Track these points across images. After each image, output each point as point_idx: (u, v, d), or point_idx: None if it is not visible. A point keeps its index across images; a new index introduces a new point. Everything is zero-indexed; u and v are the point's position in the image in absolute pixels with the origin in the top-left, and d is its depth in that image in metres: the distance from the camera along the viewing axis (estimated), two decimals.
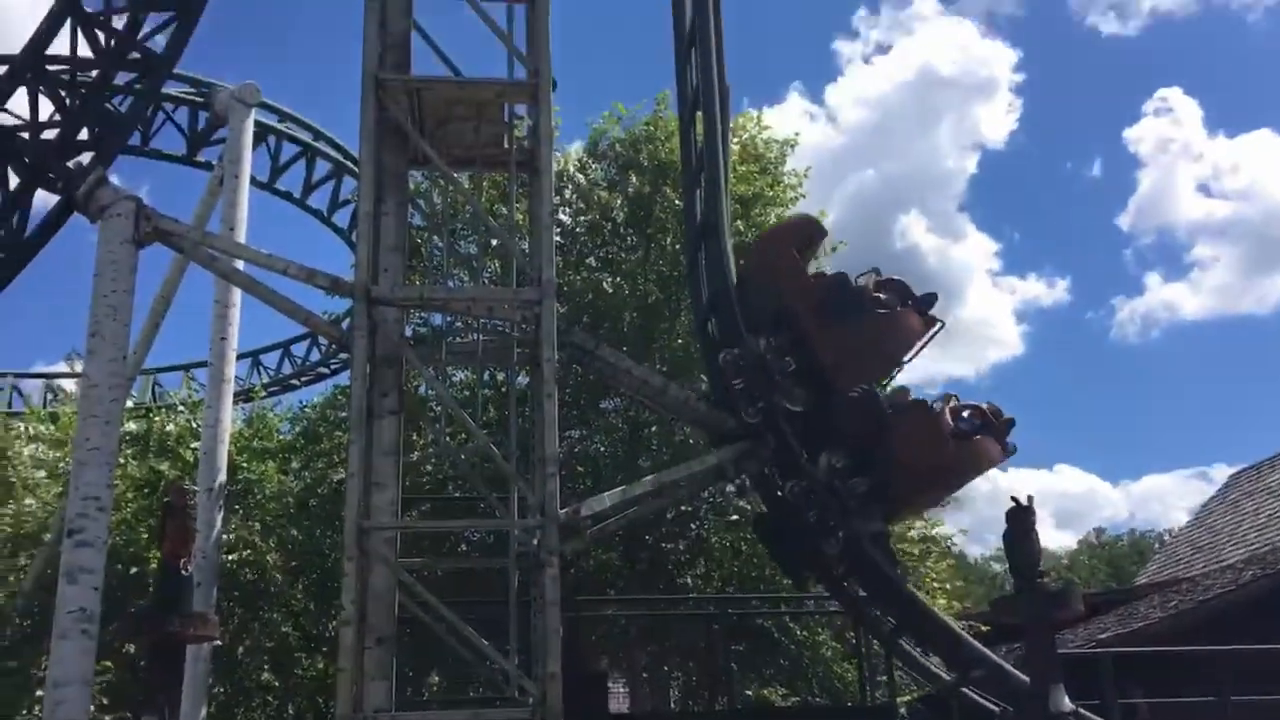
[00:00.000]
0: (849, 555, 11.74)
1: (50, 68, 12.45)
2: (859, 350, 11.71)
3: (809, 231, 12.74)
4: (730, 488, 15.68)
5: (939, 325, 12.12)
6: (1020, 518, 10.90)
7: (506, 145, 12.79)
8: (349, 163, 24.34)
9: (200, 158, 22.57)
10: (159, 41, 12.78)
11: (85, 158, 12.11)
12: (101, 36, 12.32)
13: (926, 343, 12.02)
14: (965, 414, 12.06)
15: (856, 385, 11.66)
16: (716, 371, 12.23)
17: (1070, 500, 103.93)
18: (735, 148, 19.80)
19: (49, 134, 12.25)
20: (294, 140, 24.73)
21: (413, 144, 12.05)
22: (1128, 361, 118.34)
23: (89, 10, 12.26)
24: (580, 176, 21.64)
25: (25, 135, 12.15)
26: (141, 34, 12.69)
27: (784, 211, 20.24)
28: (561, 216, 21.10)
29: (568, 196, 21.37)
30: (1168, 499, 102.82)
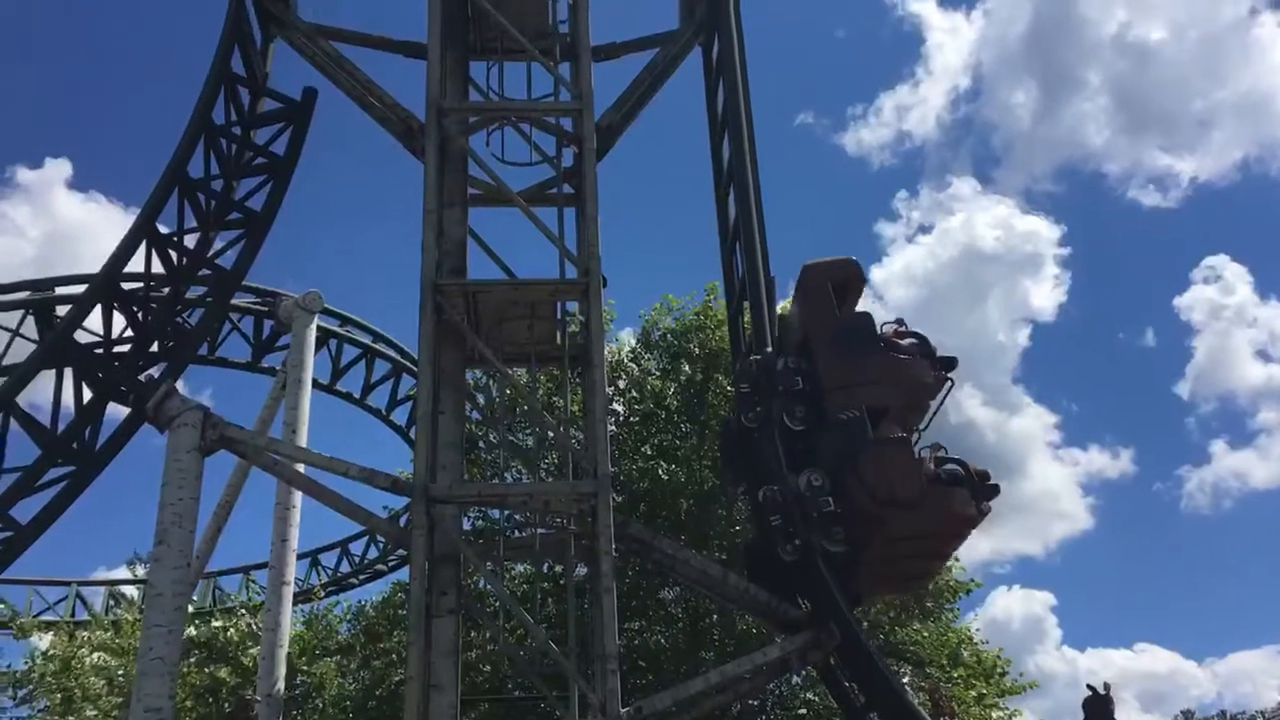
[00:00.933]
0: (801, 565, 11.51)
1: (125, 285, 13.08)
2: (861, 383, 11.61)
3: (849, 272, 12.53)
4: (796, 679, 15.23)
5: (949, 384, 11.93)
6: (1099, 706, 10.42)
7: (560, 341, 13.12)
8: (407, 361, 24.96)
9: (264, 363, 23.29)
10: (229, 257, 13.43)
11: (155, 369, 12.63)
12: (174, 255, 12.98)
13: (941, 400, 11.92)
14: (949, 465, 11.62)
15: (849, 411, 11.46)
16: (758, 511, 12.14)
17: (1154, 681, 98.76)
18: None
19: (122, 348, 12.81)
20: (354, 343, 25.47)
21: (469, 344, 12.39)
22: (1201, 533, 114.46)
23: (163, 231, 12.95)
24: (633, 366, 21.99)
25: (99, 351, 12.66)
26: (212, 251, 13.38)
27: None
28: (616, 406, 21.34)
29: (622, 387, 21.67)
30: (1258, 677, 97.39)
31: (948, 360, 12.03)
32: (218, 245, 13.55)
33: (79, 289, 21.21)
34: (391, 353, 25.90)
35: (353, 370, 25.77)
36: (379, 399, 26.37)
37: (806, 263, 12.35)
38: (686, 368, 21.16)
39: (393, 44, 14.28)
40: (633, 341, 22.84)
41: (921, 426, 12.09)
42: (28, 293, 20.65)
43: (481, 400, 19.05)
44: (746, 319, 13.98)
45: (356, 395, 26.03)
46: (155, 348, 12.81)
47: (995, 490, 11.49)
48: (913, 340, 12.06)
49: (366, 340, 25.83)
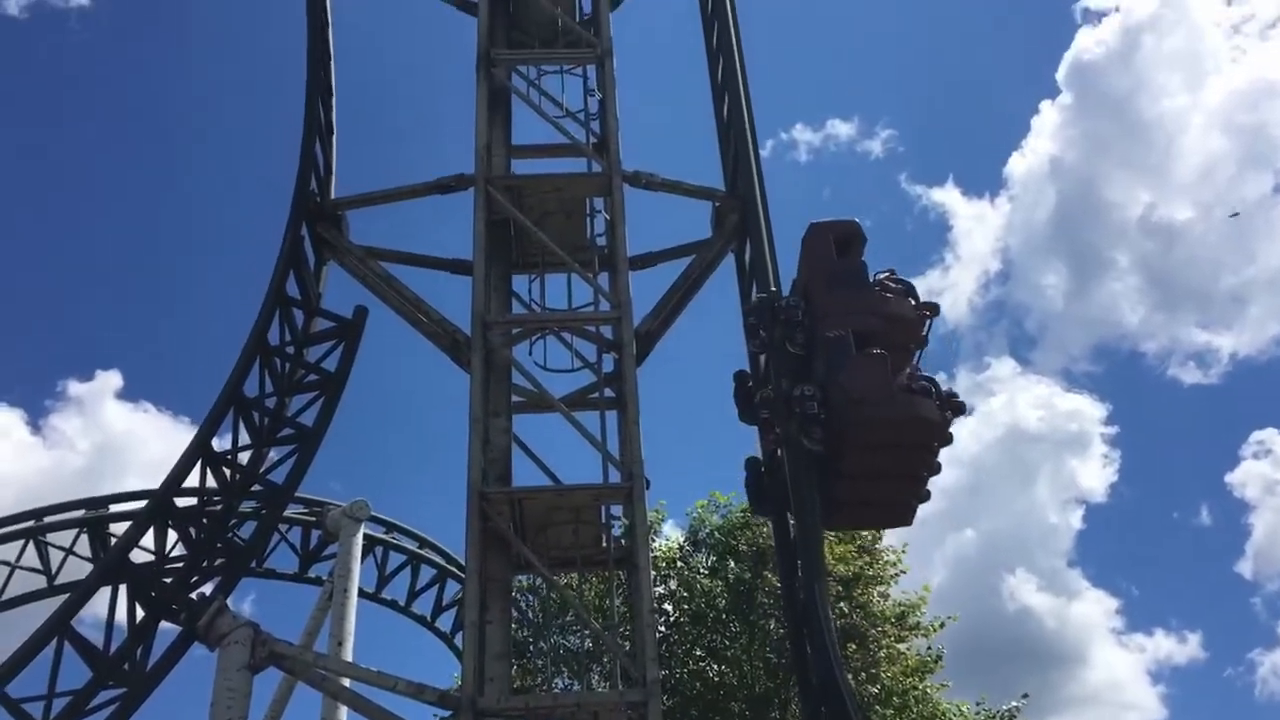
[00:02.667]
0: (777, 447, 13.09)
1: (178, 500, 13.35)
2: (850, 312, 12.86)
3: (851, 229, 13.66)
4: None
5: (931, 318, 13.33)
6: None
7: (605, 544, 13.13)
8: (452, 567, 24.90)
9: (310, 573, 23.33)
10: (280, 471, 13.72)
11: (206, 585, 12.73)
12: (228, 472, 13.31)
13: (927, 331, 13.27)
14: (921, 381, 12.86)
15: (837, 331, 12.70)
16: None
17: None
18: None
19: (174, 564, 12.97)
20: (400, 550, 25.50)
21: (515, 550, 12.44)
22: None
23: (218, 449, 13.32)
24: (682, 565, 21.83)
25: (153, 569, 12.83)
26: (264, 466, 13.70)
27: (886, 589, 20.01)
28: (665, 606, 21.09)
29: (673, 587, 21.47)
30: None
31: (930, 304, 13.45)
32: (270, 459, 13.87)
33: (131, 505, 21.73)
34: (437, 558, 25.85)
35: (398, 578, 25.71)
36: (423, 605, 26.15)
37: (811, 224, 13.59)
38: (734, 565, 20.98)
39: (439, 262, 14.93)
40: (681, 538, 22.76)
41: (915, 361, 13.18)
42: (83, 511, 21.05)
43: (527, 604, 18.90)
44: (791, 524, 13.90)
45: (401, 603, 25.87)
46: (206, 563, 12.97)
47: (961, 407, 12.95)
48: (899, 285, 13.44)
49: (412, 546, 25.85)
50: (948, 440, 12.68)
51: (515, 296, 14.76)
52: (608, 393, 13.76)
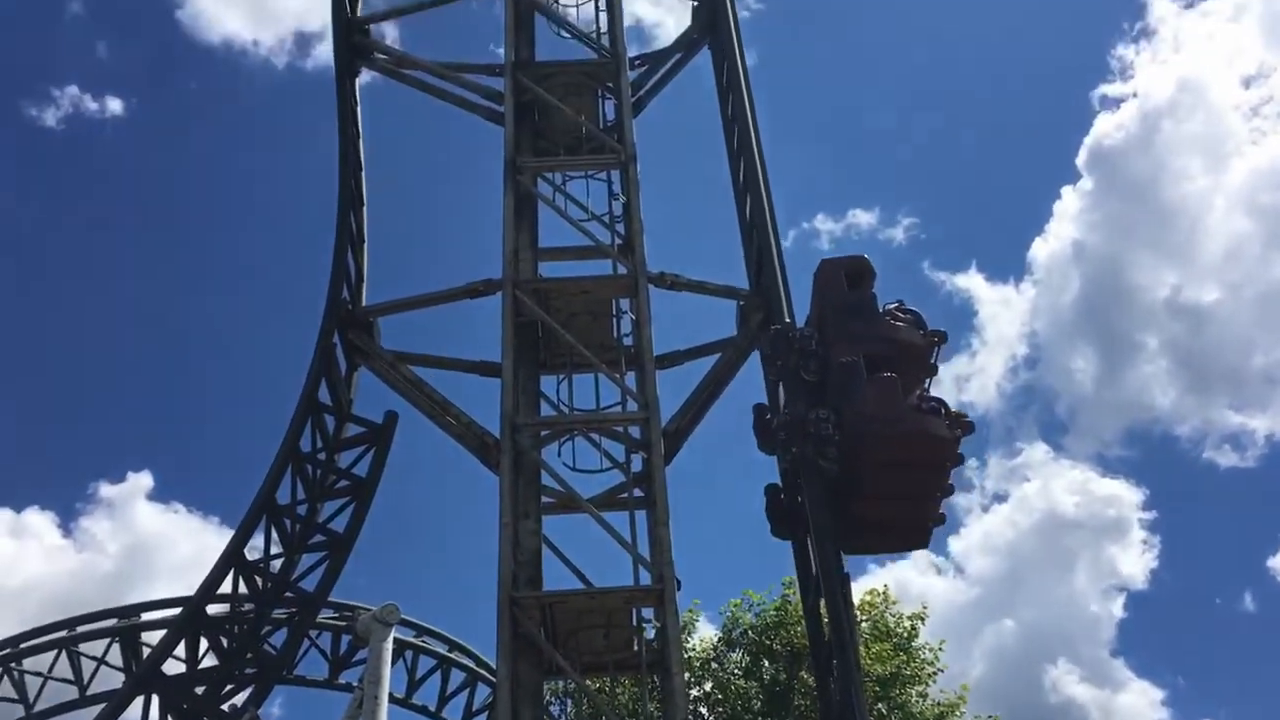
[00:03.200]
0: (797, 471, 13.44)
1: (210, 608, 13.38)
2: (861, 339, 13.45)
3: (860, 264, 14.29)
4: None
5: (940, 344, 13.68)
6: None
7: (637, 648, 12.98)
8: (483, 671, 24.61)
9: (340, 679, 23.11)
10: (312, 578, 13.74)
11: (238, 696, 12.68)
12: (259, 580, 13.34)
13: (936, 356, 13.67)
14: (931, 401, 13.40)
15: (849, 356, 13.27)
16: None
17: None
18: (865, 626, 19.65)
19: (207, 667, 12.93)
20: (430, 654, 25.26)
21: (546, 655, 12.32)
22: None
23: (250, 558, 13.37)
24: (717, 666, 21.51)
25: (185, 680, 12.79)
26: (295, 573, 13.73)
27: (924, 688, 19.59)
28: (700, 709, 20.71)
29: (708, 689, 21.12)
30: None
31: (938, 331, 13.89)
32: (301, 566, 13.90)
33: (163, 613, 21.71)
34: (468, 662, 25.58)
35: (428, 681, 25.44)
36: (455, 711, 25.79)
37: (823, 258, 14.33)
38: (769, 665, 20.64)
39: (468, 365, 15.11)
40: (715, 637, 22.45)
41: (925, 386, 13.59)
42: (115, 620, 21.04)
43: (560, 709, 18.63)
44: (824, 612, 13.77)
45: (432, 708, 25.55)
46: (239, 673, 12.92)
47: (971, 426, 13.28)
48: (908, 314, 14.01)
49: (442, 650, 25.60)
50: (958, 460, 13.18)
51: (543, 397, 14.86)
52: (637, 492, 13.74)
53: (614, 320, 14.98)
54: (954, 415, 13.28)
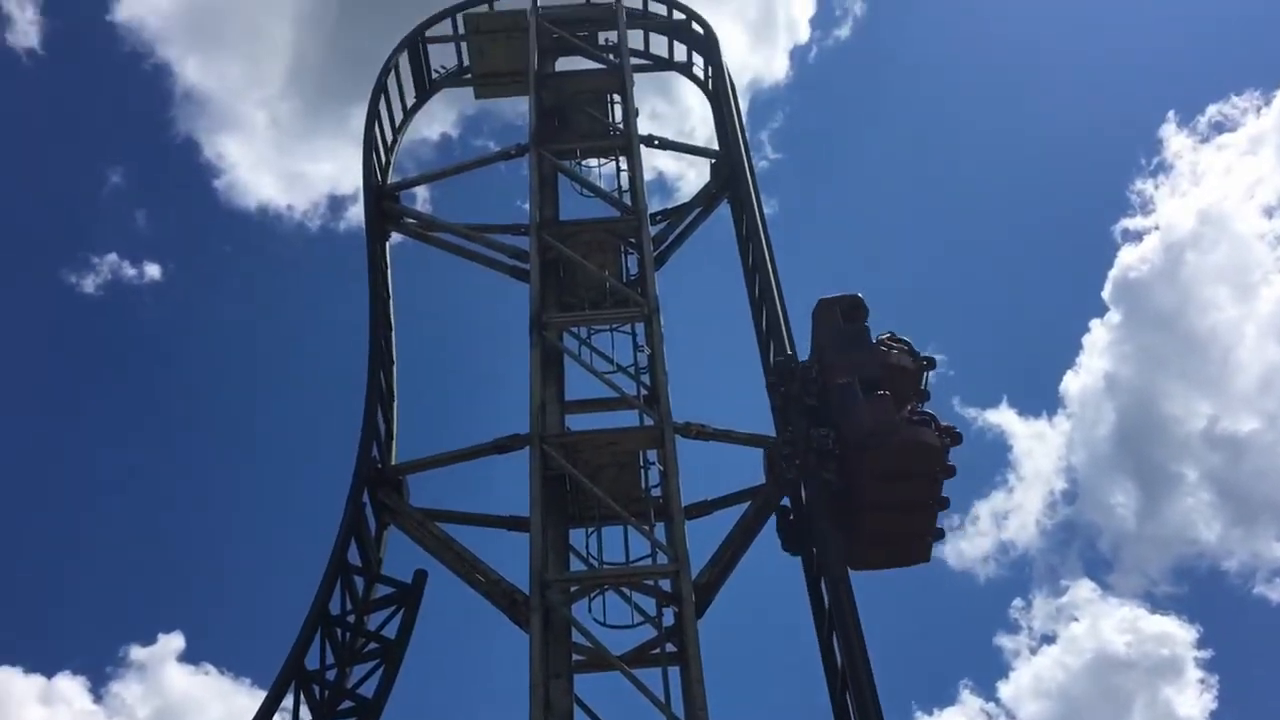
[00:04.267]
0: (803, 475, 14.61)
1: None
2: (856, 364, 14.76)
3: (854, 302, 15.52)
4: None
5: (929, 369, 14.96)
6: None
7: None
8: None
9: None
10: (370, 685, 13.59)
11: None
12: (317, 690, 13.13)
13: (925, 381, 14.94)
14: (921, 414, 14.53)
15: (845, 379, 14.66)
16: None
17: None
18: None
19: None
20: None
21: None
22: None
23: (309, 669, 13.20)
24: None
25: None
26: (351, 683, 13.55)
27: None
28: None
29: None
30: None
31: (928, 357, 15.18)
32: (357, 676, 13.77)
33: None
34: None
35: None
36: None
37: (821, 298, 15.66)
38: None
39: (496, 520, 15.10)
40: None
41: (913, 406, 14.61)
42: None
43: None
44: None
45: None
46: None
47: (959, 437, 14.49)
48: (899, 342, 15.24)
49: None
50: (949, 469, 14.33)
51: (573, 551, 14.78)
52: (669, 647, 13.52)
53: (641, 472, 14.99)
54: (944, 428, 14.47)
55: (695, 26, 20.25)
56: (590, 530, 14.81)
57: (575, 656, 13.68)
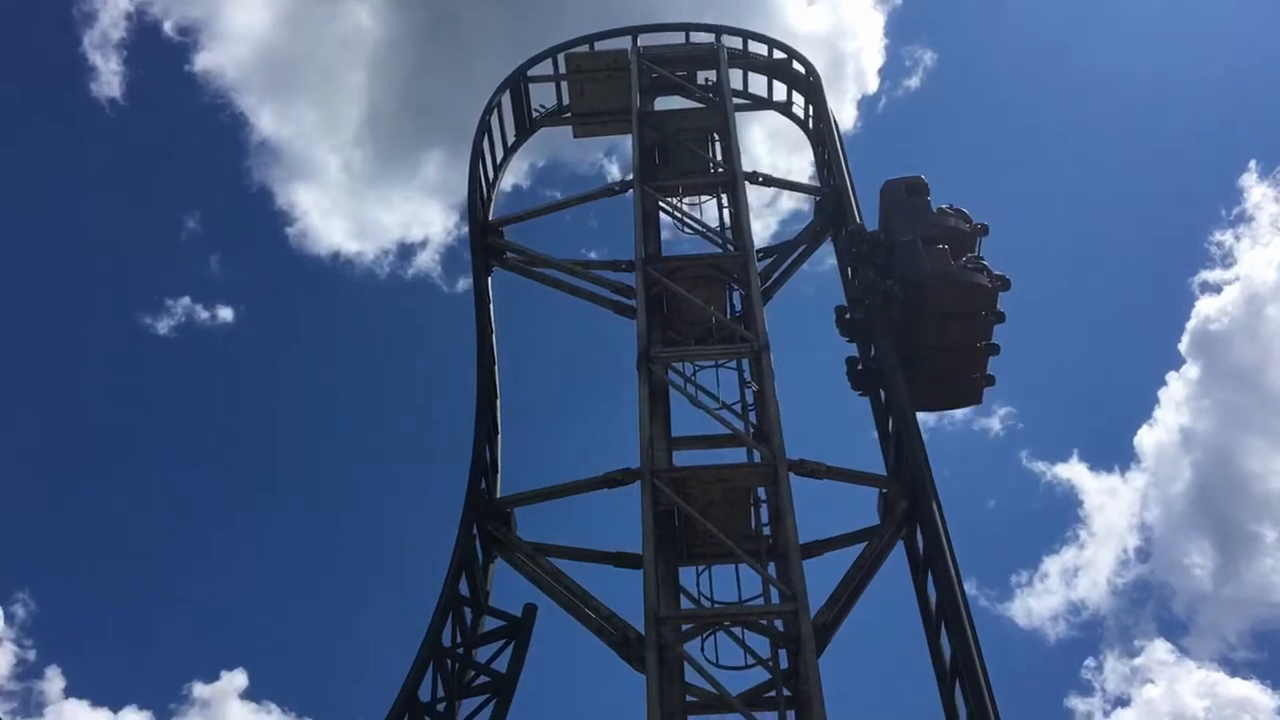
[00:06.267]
0: (872, 312, 16.51)
1: None
2: (918, 225, 16.74)
3: (917, 182, 17.45)
4: None
5: (984, 229, 17.13)
6: None
7: None
8: None
9: None
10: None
11: None
12: None
13: (978, 243, 17.09)
14: (975, 261, 16.68)
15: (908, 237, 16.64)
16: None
17: None
18: None
19: None
20: None
21: None
22: None
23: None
24: None
25: None
26: (461, 717, 13.39)
27: None
28: None
29: None
30: None
31: (983, 224, 17.21)
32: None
33: None
34: None
35: None
36: None
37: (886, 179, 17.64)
38: None
39: (606, 556, 14.85)
40: None
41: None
42: None
43: None
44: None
45: None
46: None
47: (1007, 283, 16.45)
48: (956, 211, 17.20)
49: None
50: (998, 314, 16.38)
51: (683, 590, 14.51)
52: (785, 691, 13.14)
53: (752, 509, 14.72)
54: (995, 276, 16.48)
55: (796, 66, 20.27)
56: (701, 569, 14.55)
57: (688, 697, 13.37)
